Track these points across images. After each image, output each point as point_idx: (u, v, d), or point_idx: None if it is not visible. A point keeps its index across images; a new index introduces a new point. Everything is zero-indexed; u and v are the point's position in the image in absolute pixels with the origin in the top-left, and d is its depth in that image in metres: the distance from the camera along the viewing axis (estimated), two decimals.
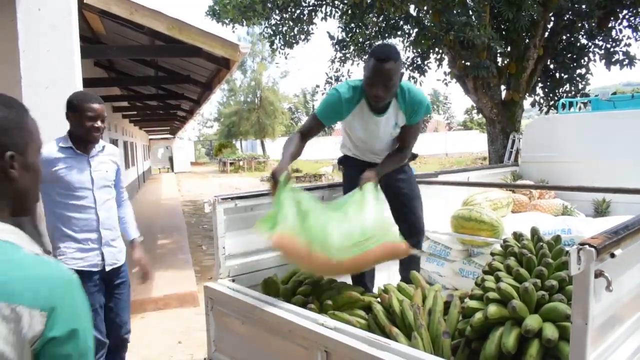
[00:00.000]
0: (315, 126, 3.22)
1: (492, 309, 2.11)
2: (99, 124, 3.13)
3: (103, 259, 3.21)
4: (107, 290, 3.29)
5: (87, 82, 5.99)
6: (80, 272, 3.04)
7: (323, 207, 2.86)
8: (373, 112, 3.18)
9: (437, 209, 4.05)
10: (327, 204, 3.03)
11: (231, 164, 38.17)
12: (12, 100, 1.18)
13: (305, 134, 3.19)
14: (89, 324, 1.11)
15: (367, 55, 3.04)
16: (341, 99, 3.09)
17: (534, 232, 2.64)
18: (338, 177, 24.29)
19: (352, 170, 3.57)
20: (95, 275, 3.17)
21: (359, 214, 2.81)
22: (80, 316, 1.07)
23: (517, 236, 2.69)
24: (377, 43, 3.06)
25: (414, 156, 3.75)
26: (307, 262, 2.59)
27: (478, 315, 2.15)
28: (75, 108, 3.10)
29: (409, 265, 3.46)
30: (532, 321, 1.98)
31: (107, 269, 3.23)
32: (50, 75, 3.94)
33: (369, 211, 2.84)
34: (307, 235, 2.56)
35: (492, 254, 2.68)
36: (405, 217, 3.61)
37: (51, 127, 3.55)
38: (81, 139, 3.16)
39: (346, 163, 3.66)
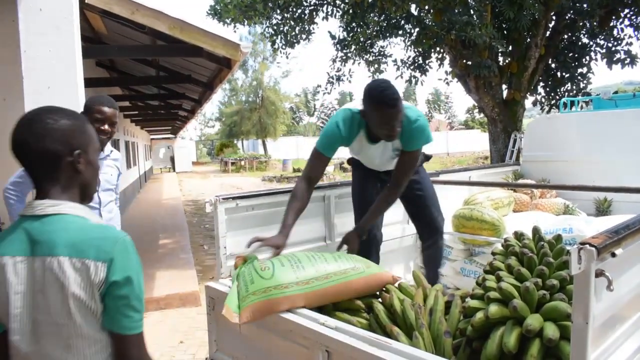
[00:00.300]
0: (322, 162, 3.14)
1: (493, 308, 2.11)
2: (105, 127, 3.15)
3: None
4: None
5: (88, 82, 5.99)
6: None
7: (293, 256, 2.74)
8: (370, 142, 3.20)
9: None
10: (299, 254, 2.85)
11: (232, 163, 38.20)
12: (75, 112, 1.54)
13: (313, 177, 3.12)
14: (141, 275, 1.46)
15: (368, 100, 2.91)
16: (342, 135, 3.07)
17: (535, 231, 2.64)
18: (340, 177, 24.29)
19: (361, 171, 3.61)
20: None
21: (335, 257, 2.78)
22: (133, 267, 1.43)
23: (518, 235, 2.69)
24: (372, 84, 2.96)
25: (428, 157, 3.78)
26: (288, 306, 2.50)
27: (479, 315, 2.15)
28: (86, 109, 3.14)
29: (430, 263, 3.48)
30: (533, 321, 1.98)
31: None
32: (52, 75, 3.94)
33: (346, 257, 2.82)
34: (278, 284, 2.48)
35: (493, 253, 2.68)
36: (420, 218, 3.65)
37: None
38: None
39: (355, 164, 3.68)
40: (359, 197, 3.59)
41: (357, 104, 3.10)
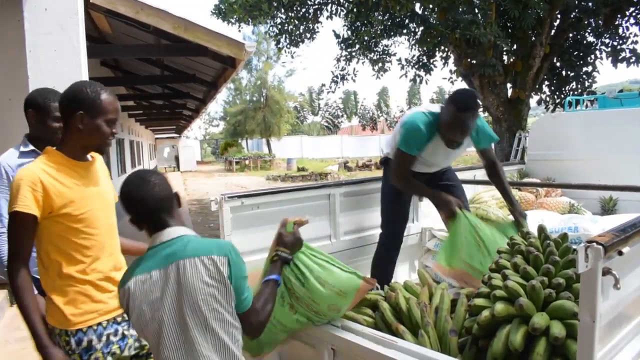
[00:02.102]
0: (413, 162, 3.48)
1: (499, 306, 2.10)
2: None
3: None
4: None
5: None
6: None
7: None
8: (448, 145, 3.41)
9: None
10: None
11: (237, 162, 38.23)
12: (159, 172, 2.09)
13: (407, 172, 3.51)
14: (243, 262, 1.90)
15: (449, 104, 3.23)
16: (424, 136, 3.33)
17: (541, 230, 2.64)
18: (344, 176, 24.27)
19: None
20: None
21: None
22: (240, 259, 1.88)
23: (524, 234, 2.69)
24: (458, 90, 3.29)
25: None
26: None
27: (485, 313, 2.14)
28: (39, 107, 2.72)
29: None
30: (540, 319, 1.97)
31: None
32: (57, 74, 3.95)
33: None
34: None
35: (499, 252, 2.68)
36: None
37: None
38: (44, 141, 2.69)
39: (388, 165, 3.77)
40: (394, 198, 3.76)
41: (429, 107, 3.41)
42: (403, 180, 3.51)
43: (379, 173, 4.07)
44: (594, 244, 1.49)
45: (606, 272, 1.56)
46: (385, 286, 2.81)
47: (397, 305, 2.49)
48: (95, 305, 2.20)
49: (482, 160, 3.76)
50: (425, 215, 4.68)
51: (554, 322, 1.97)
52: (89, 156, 2.28)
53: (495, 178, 3.73)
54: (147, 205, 1.88)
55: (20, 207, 2.02)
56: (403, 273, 4.55)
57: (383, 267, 3.78)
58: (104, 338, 2.21)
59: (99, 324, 2.21)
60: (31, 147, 2.77)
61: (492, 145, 3.72)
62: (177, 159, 41.81)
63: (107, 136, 2.21)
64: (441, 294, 2.55)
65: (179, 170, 40.23)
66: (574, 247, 2.18)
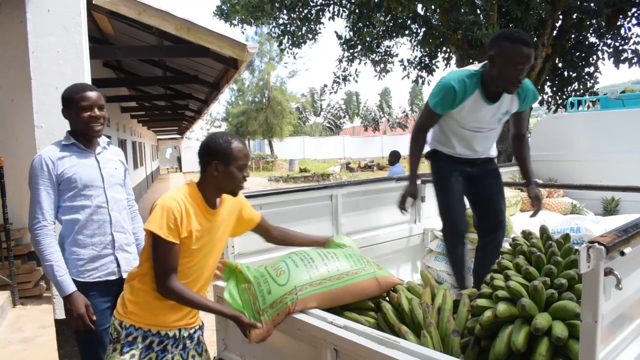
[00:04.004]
0: (436, 118, 3.37)
1: (502, 307, 2.10)
2: (96, 112, 2.84)
3: (118, 265, 2.88)
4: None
5: (96, 83, 6.01)
6: (96, 285, 2.82)
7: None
8: (486, 101, 3.22)
9: None
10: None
11: None
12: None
13: (429, 128, 3.47)
14: None
15: (500, 41, 3.00)
16: (456, 94, 3.14)
17: (543, 230, 2.64)
18: (346, 177, 24.27)
19: (446, 163, 3.59)
20: (112, 287, 2.85)
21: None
22: None
23: (526, 235, 2.69)
24: (505, 30, 3.08)
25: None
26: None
27: (487, 314, 2.14)
28: (69, 101, 2.84)
29: (485, 263, 3.46)
30: (542, 319, 1.97)
31: (124, 275, 2.84)
32: (60, 76, 3.96)
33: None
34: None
35: (501, 253, 2.68)
36: (485, 208, 3.68)
37: (62, 128, 3.56)
38: (83, 134, 2.88)
39: (437, 157, 3.63)
40: (449, 191, 3.57)
41: (470, 68, 3.23)
42: (415, 134, 3.43)
43: (381, 174, 4.07)
44: (596, 244, 1.49)
45: (608, 272, 1.56)
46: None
47: (400, 306, 2.49)
48: (155, 316, 2.42)
49: (512, 127, 3.62)
50: (427, 216, 4.69)
51: (556, 323, 1.97)
52: (218, 201, 2.50)
53: (519, 153, 3.76)
54: None
55: (161, 233, 2.25)
56: (405, 274, 4.56)
57: (454, 262, 3.63)
58: (147, 341, 2.40)
59: (149, 330, 2.41)
60: (73, 141, 2.90)
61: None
62: (179, 159, 41.85)
63: (239, 181, 2.44)
64: (443, 294, 2.55)
65: (181, 171, 40.28)
66: (576, 247, 2.18)
